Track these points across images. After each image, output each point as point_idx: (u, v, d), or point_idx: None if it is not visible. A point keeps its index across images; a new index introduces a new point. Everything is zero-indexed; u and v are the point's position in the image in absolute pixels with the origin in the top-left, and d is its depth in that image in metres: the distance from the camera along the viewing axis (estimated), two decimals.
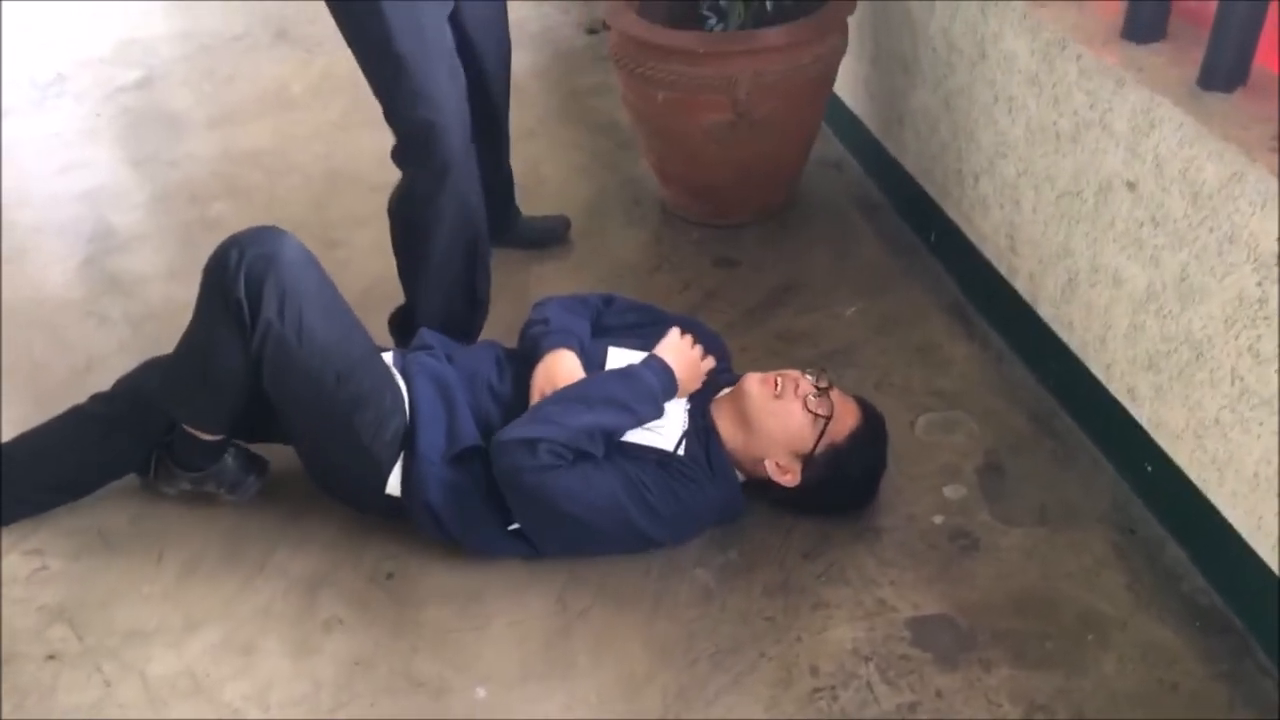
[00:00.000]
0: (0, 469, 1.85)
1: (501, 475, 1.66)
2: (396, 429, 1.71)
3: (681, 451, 1.73)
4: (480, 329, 2.21)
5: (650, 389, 1.73)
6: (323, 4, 1.88)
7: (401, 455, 1.73)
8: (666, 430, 1.75)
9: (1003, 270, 2.16)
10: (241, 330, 1.63)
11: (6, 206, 2.98)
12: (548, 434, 1.63)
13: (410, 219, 2.04)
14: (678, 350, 1.81)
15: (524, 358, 1.86)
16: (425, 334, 1.91)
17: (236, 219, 2.80)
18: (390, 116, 1.92)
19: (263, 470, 1.90)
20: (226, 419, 1.79)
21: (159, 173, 3.06)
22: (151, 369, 1.85)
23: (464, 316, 2.15)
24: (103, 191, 2.98)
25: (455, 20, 1.97)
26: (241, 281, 1.61)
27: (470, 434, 1.73)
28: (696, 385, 1.83)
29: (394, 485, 1.73)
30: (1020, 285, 2.11)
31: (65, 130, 3.35)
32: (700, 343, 1.87)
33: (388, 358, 1.82)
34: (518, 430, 1.66)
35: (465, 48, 2.02)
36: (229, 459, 1.85)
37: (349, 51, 1.92)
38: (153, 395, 1.80)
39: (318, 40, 3.68)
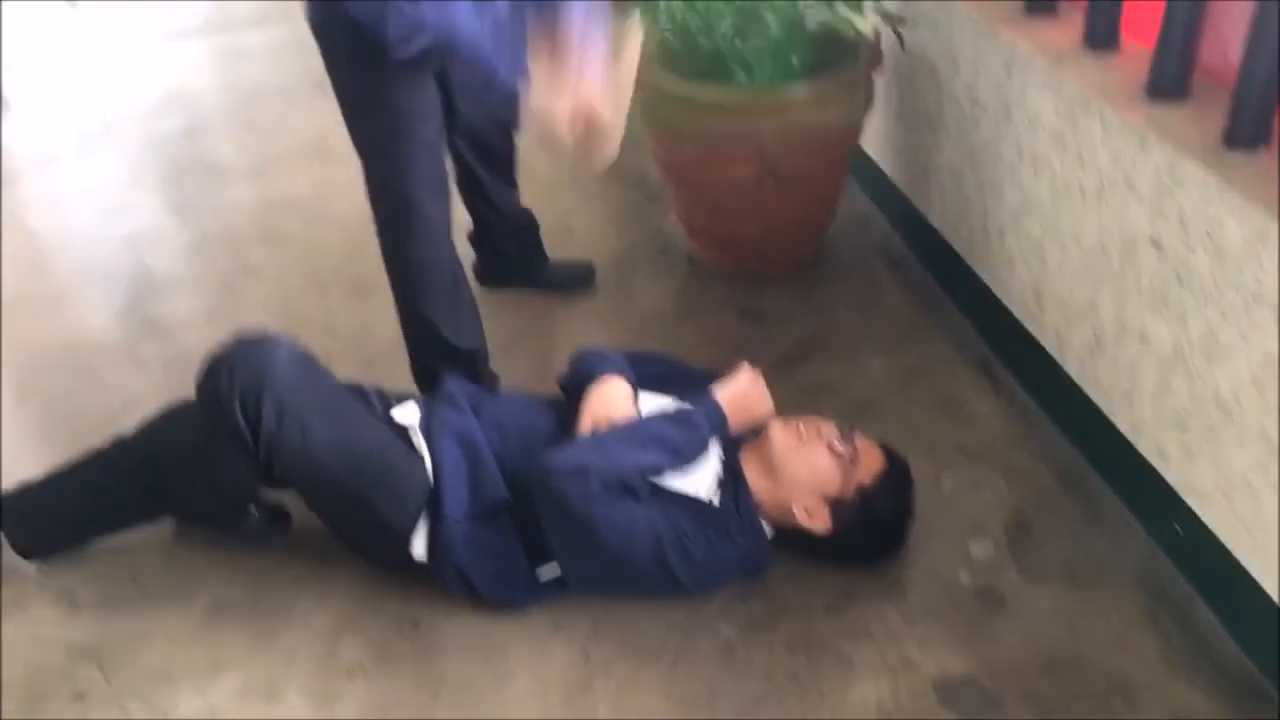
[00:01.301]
0: (25, 505, 1.89)
1: (548, 501, 1.65)
2: (419, 498, 1.72)
3: (715, 500, 1.74)
4: (483, 377, 2.21)
5: (703, 436, 1.75)
6: None
7: (426, 518, 1.74)
8: (700, 477, 1.75)
9: (1029, 326, 2.16)
10: (245, 447, 1.66)
11: (50, 251, 3.06)
12: (600, 464, 1.63)
13: (385, 263, 2.09)
14: (738, 394, 1.81)
15: (568, 397, 1.88)
16: (450, 383, 1.93)
17: (273, 266, 2.86)
18: (358, 156, 1.97)
19: (287, 525, 1.92)
20: (244, 505, 1.83)
21: (199, 220, 3.13)
22: (171, 420, 1.86)
23: (452, 368, 2.11)
24: (144, 238, 3.06)
25: (445, 81, 2.00)
26: (237, 406, 1.63)
27: (496, 489, 1.74)
28: (748, 426, 1.83)
29: (419, 549, 1.74)
30: (1047, 342, 2.10)
31: (110, 178, 3.44)
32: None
33: (411, 411, 1.83)
34: (569, 456, 1.66)
35: (450, 108, 2.06)
36: (252, 519, 1.87)
37: None
38: (169, 483, 1.83)
39: None
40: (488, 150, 2.34)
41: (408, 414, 1.83)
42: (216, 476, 1.77)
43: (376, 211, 2.03)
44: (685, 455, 1.73)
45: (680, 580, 1.69)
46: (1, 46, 4.25)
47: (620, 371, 1.86)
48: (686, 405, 1.80)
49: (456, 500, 1.72)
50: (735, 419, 1.79)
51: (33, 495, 1.89)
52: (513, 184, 2.50)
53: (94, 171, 3.49)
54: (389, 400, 1.88)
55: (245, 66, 4.24)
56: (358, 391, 1.88)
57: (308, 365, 1.74)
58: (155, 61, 4.36)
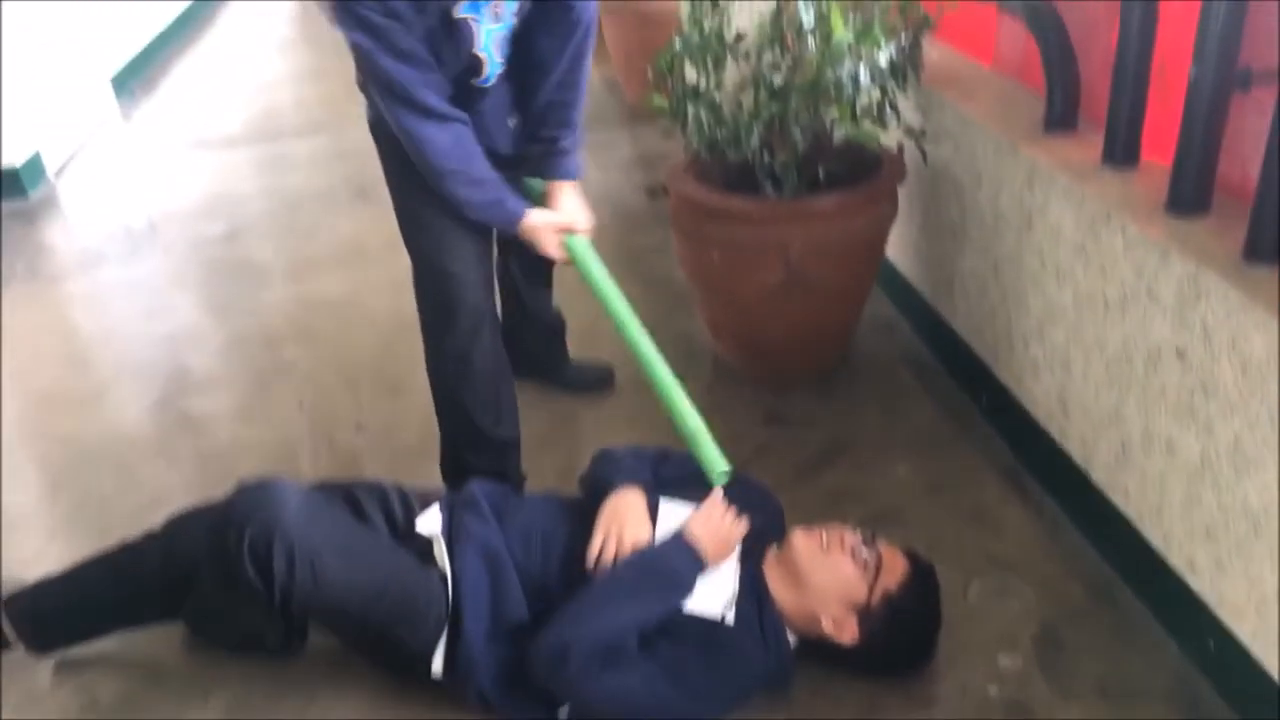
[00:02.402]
0: (39, 603, 1.89)
1: (539, 683, 1.65)
2: (438, 618, 1.72)
3: (731, 617, 1.71)
4: (515, 474, 2.23)
5: (678, 579, 1.71)
6: None
7: (446, 635, 1.72)
8: (715, 594, 1.73)
9: (1055, 435, 2.15)
10: (258, 597, 1.67)
11: (91, 347, 3.14)
12: (581, 638, 1.61)
13: (428, 359, 2.15)
14: (708, 523, 1.78)
15: (587, 501, 1.88)
16: (474, 486, 1.92)
17: (306, 364, 2.92)
18: (409, 257, 2.05)
19: (304, 634, 1.90)
20: (260, 638, 1.85)
21: (237, 319, 3.21)
22: (180, 529, 1.86)
23: (487, 459, 2.16)
24: (182, 335, 3.14)
25: None
26: (246, 562, 1.63)
27: (517, 608, 1.73)
28: (728, 554, 1.79)
29: (438, 667, 1.73)
30: (1073, 451, 2.09)
31: (154, 277, 3.55)
32: (750, 500, 1.88)
33: (434, 518, 1.82)
34: (549, 641, 1.63)
35: None
36: (269, 639, 1.85)
37: None
38: (184, 608, 1.85)
39: None
40: (527, 249, 2.41)
41: (430, 522, 1.82)
42: (232, 622, 1.81)
43: (421, 301, 2.09)
44: (666, 599, 1.70)
45: (694, 717, 1.67)
46: None
47: (637, 480, 1.86)
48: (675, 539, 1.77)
49: (477, 620, 1.71)
50: (711, 546, 1.75)
51: (46, 593, 1.88)
52: (548, 284, 2.56)
53: (139, 271, 3.61)
54: (411, 503, 1.88)
55: (288, 173, 4.39)
56: (380, 495, 1.88)
57: (314, 504, 1.74)
58: (202, 167, 4.54)
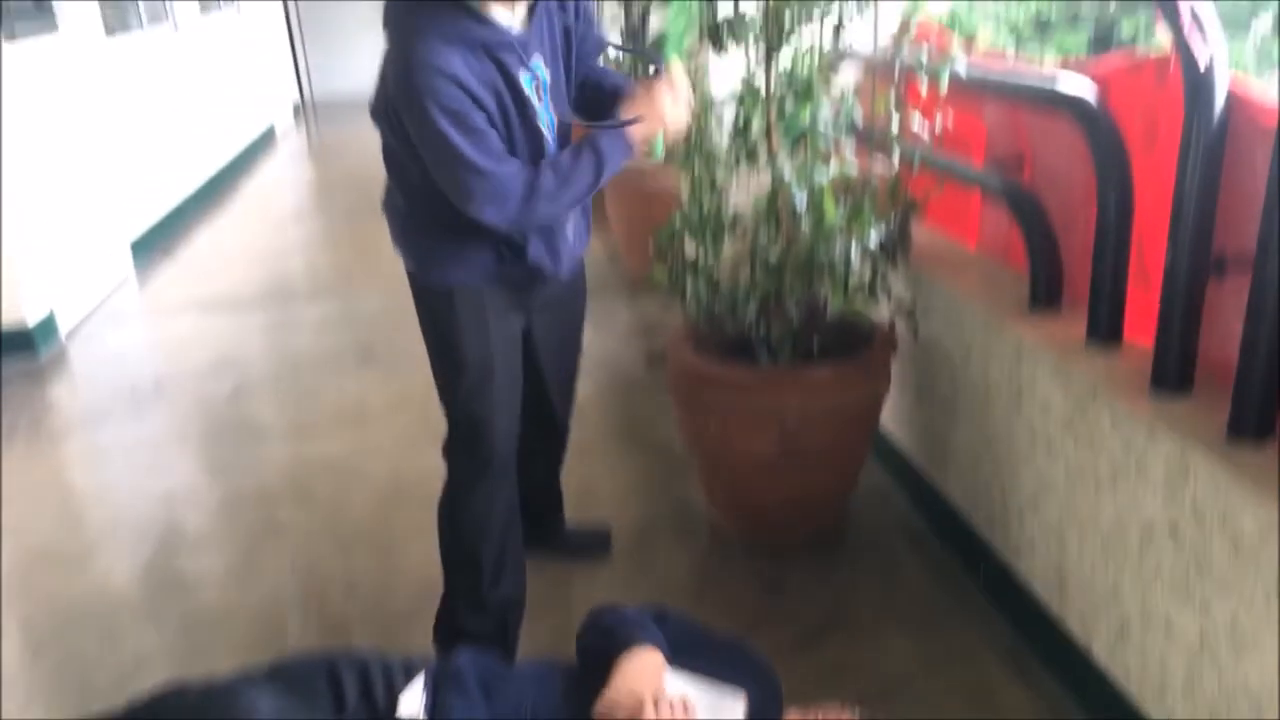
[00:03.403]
0: None
1: None
2: None
3: None
4: (514, 637, 2.21)
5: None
6: (406, 332, 2.09)
7: None
8: None
9: (1053, 611, 2.13)
10: None
11: (86, 506, 3.14)
12: None
13: (449, 510, 2.15)
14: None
15: (586, 666, 1.81)
16: (461, 661, 1.81)
17: (300, 524, 2.91)
18: (446, 407, 2.09)
19: None
20: None
21: (235, 478, 3.22)
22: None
23: (488, 619, 2.15)
24: (179, 494, 3.13)
25: (527, 337, 2.17)
26: None
27: None
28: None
29: None
30: (1073, 628, 2.06)
31: (155, 436, 3.58)
32: (749, 678, 1.84)
33: (416, 699, 1.74)
34: None
35: (531, 361, 2.20)
36: None
37: (424, 373, 2.12)
38: None
39: (398, 362, 3.98)
40: (546, 421, 2.43)
41: (412, 704, 1.76)
42: None
43: (456, 451, 2.11)
44: None
45: None
46: None
47: (653, 640, 1.76)
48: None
49: None
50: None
51: None
52: (559, 458, 2.57)
53: (141, 430, 3.63)
54: (394, 678, 1.81)
55: (295, 337, 4.49)
56: (361, 671, 1.81)
57: (287, 706, 1.70)
58: (212, 330, 4.64)
